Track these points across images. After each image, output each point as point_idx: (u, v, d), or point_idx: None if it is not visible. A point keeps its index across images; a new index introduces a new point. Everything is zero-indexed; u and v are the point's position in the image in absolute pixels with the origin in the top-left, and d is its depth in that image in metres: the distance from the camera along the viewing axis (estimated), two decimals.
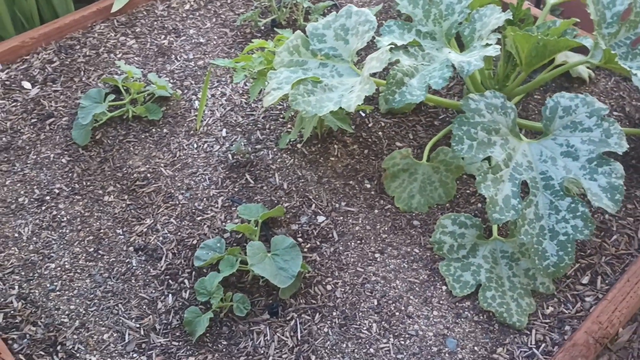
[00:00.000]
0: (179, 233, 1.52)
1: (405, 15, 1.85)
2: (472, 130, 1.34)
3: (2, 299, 1.40)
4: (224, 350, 1.33)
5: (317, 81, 1.39)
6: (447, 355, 1.32)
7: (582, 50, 1.86)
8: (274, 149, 1.68)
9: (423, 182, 1.57)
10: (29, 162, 1.68)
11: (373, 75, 1.55)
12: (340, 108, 1.49)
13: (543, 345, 1.34)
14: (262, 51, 1.61)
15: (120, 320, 1.38)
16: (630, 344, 1.68)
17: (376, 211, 1.56)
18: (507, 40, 1.54)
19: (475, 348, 1.33)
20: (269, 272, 1.34)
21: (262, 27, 2.04)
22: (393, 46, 1.39)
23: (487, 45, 1.38)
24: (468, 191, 1.60)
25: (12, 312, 1.38)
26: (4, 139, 1.73)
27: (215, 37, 2.02)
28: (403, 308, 1.39)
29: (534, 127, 1.62)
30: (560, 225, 1.33)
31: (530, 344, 1.34)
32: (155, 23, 2.07)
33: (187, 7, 2.14)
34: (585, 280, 1.44)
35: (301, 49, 1.50)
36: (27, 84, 1.87)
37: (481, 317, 1.38)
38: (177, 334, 1.35)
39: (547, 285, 1.40)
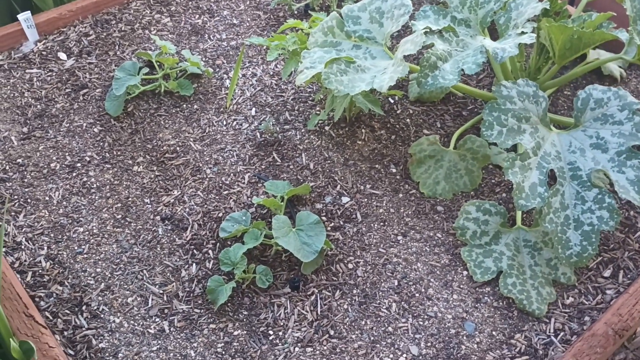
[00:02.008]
0: (205, 205, 1.54)
1: (441, 1, 1.86)
2: (503, 117, 1.35)
3: (31, 259, 1.44)
4: (245, 320, 1.35)
5: (351, 61, 1.41)
6: (464, 337, 1.32)
7: (615, 50, 1.85)
8: (302, 130, 1.70)
9: (449, 169, 1.58)
10: (62, 129, 1.71)
11: (407, 59, 1.56)
12: (372, 90, 1.51)
13: (562, 334, 1.34)
14: (296, 32, 1.63)
15: (145, 286, 1.40)
16: None
17: (400, 195, 1.57)
18: (541, 33, 1.54)
19: (494, 333, 1.34)
20: (293, 246, 1.35)
21: (296, 12, 2.06)
22: (428, 30, 1.40)
23: (523, 33, 1.38)
24: (493, 181, 1.61)
25: (40, 271, 1.42)
26: (38, 106, 1.77)
27: (249, 19, 2.04)
28: (423, 290, 1.40)
29: (563, 122, 1.62)
30: (585, 215, 1.33)
31: (549, 332, 1.34)
32: (190, 3, 2.10)
33: None
34: (607, 273, 1.44)
35: (336, 30, 1.51)
36: (63, 55, 1.91)
37: (501, 303, 1.38)
38: (199, 302, 1.38)
39: (568, 276, 1.41)
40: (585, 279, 1.43)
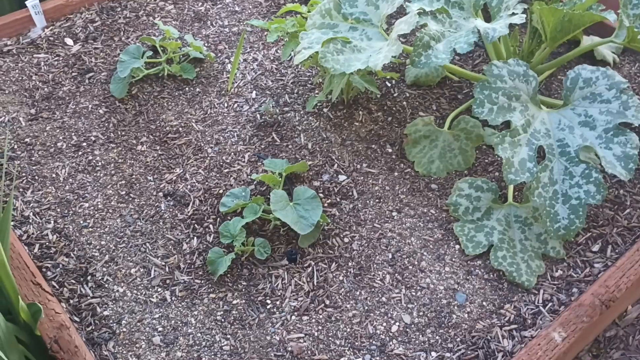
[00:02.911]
0: (206, 183, 1.59)
1: None
2: (494, 95, 1.40)
3: (38, 232, 1.49)
4: (243, 290, 1.40)
5: (347, 41, 1.46)
6: (456, 307, 1.37)
7: (608, 36, 1.89)
8: (301, 112, 1.75)
9: (443, 148, 1.62)
10: (68, 111, 1.76)
11: (402, 41, 1.60)
12: (369, 72, 1.56)
13: (550, 304, 1.38)
14: (296, 15, 1.68)
15: (147, 258, 1.45)
16: (638, 321, 1.72)
17: (396, 174, 1.62)
18: (534, 16, 1.59)
19: (484, 303, 1.38)
20: (291, 219, 1.40)
21: None
22: (422, 11, 1.45)
23: (513, 14, 1.43)
24: (486, 160, 1.66)
25: (47, 243, 1.47)
26: (45, 89, 1.82)
27: (250, 6, 2.10)
28: (416, 263, 1.45)
29: (553, 104, 1.66)
30: (573, 190, 1.38)
31: (537, 303, 1.38)
32: None
33: None
34: (595, 248, 1.49)
35: (333, 12, 1.56)
36: (69, 41, 1.97)
37: (491, 276, 1.43)
38: (200, 273, 1.43)
39: (557, 250, 1.45)
40: (574, 253, 1.48)
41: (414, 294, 1.39)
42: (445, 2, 1.54)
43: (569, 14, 1.48)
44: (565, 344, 1.29)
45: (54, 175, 1.61)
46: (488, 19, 1.66)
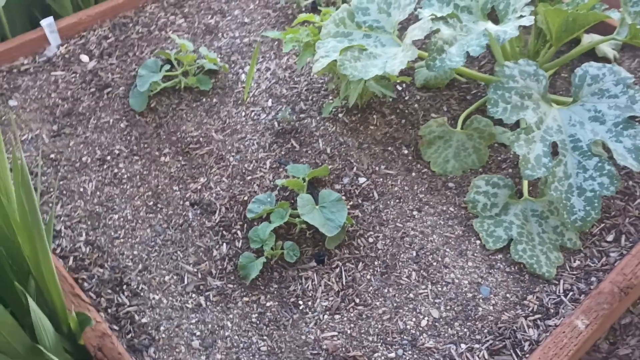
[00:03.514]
0: (231, 190, 1.64)
1: None
2: (507, 95, 1.46)
3: (71, 245, 1.53)
4: (275, 292, 1.45)
5: (363, 49, 1.51)
6: (481, 300, 1.43)
7: (607, 33, 1.96)
8: (317, 118, 1.81)
9: (457, 148, 1.68)
10: (89, 126, 1.81)
11: (415, 46, 1.66)
12: (382, 77, 1.61)
13: (570, 293, 1.44)
14: (308, 25, 1.73)
15: (179, 265, 1.50)
16: None
17: (413, 174, 1.68)
18: (539, 17, 1.65)
19: (507, 295, 1.44)
20: (318, 222, 1.46)
21: (304, 8, 2.16)
22: (434, 17, 1.51)
23: (521, 17, 1.49)
24: (499, 158, 1.71)
25: (80, 255, 1.51)
26: (65, 105, 1.87)
27: (259, 17, 2.15)
28: (440, 259, 1.50)
29: (563, 102, 1.72)
30: (587, 182, 1.44)
31: (559, 292, 1.44)
32: (202, 4, 2.21)
33: None
34: (610, 238, 1.55)
35: (347, 21, 1.62)
36: (84, 57, 2.01)
37: (513, 269, 1.49)
38: (232, 278, 1.48)
39: (574, 241, 1.51)
40: (590, 243, 1.54)
41: (439, 289, 1.45)
42: (455, 7, 1.60)
43: (573, 14, 1.54)
44: (589, 331, 1.35)
45: (81, 189, 1.65)
46: (494, 21, 1.73)
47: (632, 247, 1.51)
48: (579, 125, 1.48)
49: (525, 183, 1.58)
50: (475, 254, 1.51)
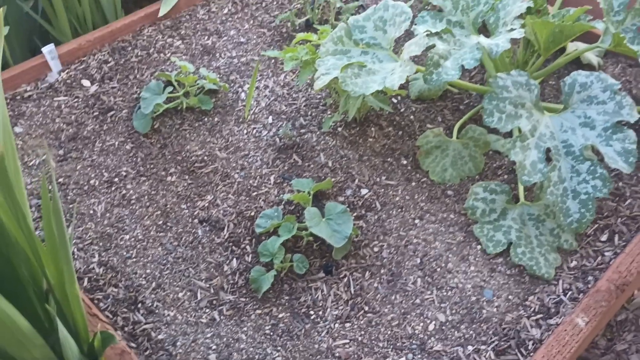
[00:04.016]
0: (238, 206, 1.69)
1: (432, 5, 2.04)
2: (501, 105, 1.52)
3: (85, 266, 1.57)
4: (287, 304, 1.50)
5: (362, 65, 1.58)
6: (484, 303, 1.48)
7: (591, 41, 2.04)
8: (317, 133, 1.86)
9: (454, 157, 1.75)
10: (95, 149, 1.85)
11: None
12: (379, 92, 1.68)
13: (569, 292, 1.50)
14: (305, 44, 1.79)
15: (192, 281, 1.54)
16: None
17: (413, 184, 1.74)
18: (527, 28, 1.73)
19: (510, 297, 1.50)
20: (325, 233, 1.51)
21: (297, 27, 2.23)
22: (429, 33, 1.57)
23: (512, 30, 1.56)
24: (495, 165, 1.78)
25: (94, 276, 1.56)
26: (70, 130, 1.91)
27: (255, 37, 2.21)
28: (443, 265, 1.56)
29: (553, 108, 1.79)
30: (581, 186, 1.51)
31: (558, 292, 1.50)
32: (198, 26, 2.26)
33: (225, 11, 2.34)
34: (604, 238, 1.61)
35: (345, 39, 1.68)
36: (86, 82, 2.06)
37: (513, 271, 1.55)
38: (244, 291, 1.52)
39: (570, 242, 1.57)
40: (585, 244, 1.60)
41: (444, 293, 1.50)
42: (448, 23, 1.67)
43: (560, 25, 1.61)
44: (589, 328, 1.41)
45: (91, 212, 1.70)
46: (485, 33, 1.80)
47: (626, 245, 1.58)
48: (570, 131, 1.55)
49: (521, 188, 1.65)
50: (476, 259, 1.57)
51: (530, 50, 1.83)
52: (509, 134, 1.82)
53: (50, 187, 1.66)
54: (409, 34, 2.09)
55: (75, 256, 1.60)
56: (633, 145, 1.50)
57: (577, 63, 2.08)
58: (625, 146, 1.50)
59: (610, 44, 1.67)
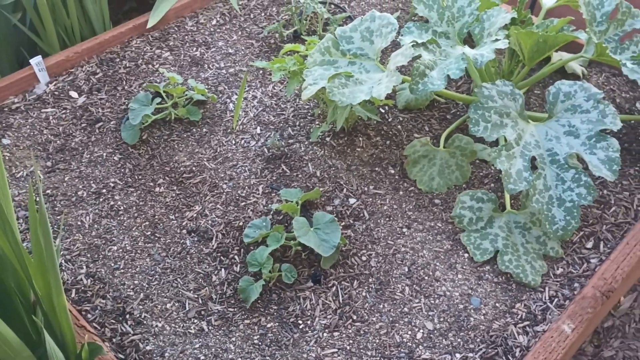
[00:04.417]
0: (226, 217, 1.69)
1: (418, 17, 2.06)
2: (487, 114, 1.54)
3: (72, 277, 1.57)
4: (275, 313, 1.50)
5: (350, 75, 1.59)
6: (472, 311, 1.49)
7: (575, 51, 2.07)
8: (305, 143, 1.87)
9: (441, 166, 1.76)
10: (83, 160, 1.85)
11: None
12: (367, 102, 1.69)
13: (556, 299, 1.52)
14: (293, 54, 1.81)
15: (180, 292, 1.54)
16: (631, 311, 1.87)
17: (401, 193, 1.75)
18: (511, 39, 1.75)
19: (497, 304, 1.51)
20: (314, 243, 1.51)
21: (286, 38, 2.24)
22: (414, 43, 1.59)
23: (496, 40, 1.58)
24: (481, 174, 1.80)
25: (82, 288, 1.55)
26: (58, 141, 1.91)
27: (243, 48, 2.22)
28: (431, 273, 1.57)
29: (538, 117, 1.82)
30: (566, 194, 1.52)
31: (545, 299, 1.52)
32: (187, 37, 2.27)
33: (214, 22, 2.35)
34: (589, 245, 1.63)
35: (332, 49, 1.70)
36: (74, 94, 2.06)
37: (500, 279, 1.56)
38: (232, 301, 1.52)
39: (556, 250, 1.59)
40: (571, 251, 1.62)
41: (432, 302, 1.51)
42: (433, 33, 1.69)
43: (544, 36, 1.64)
44: (575, 335, 1.43)
45: (79, 223, 1.69)
46: (470, 44, 1.82)
47: (611, 252, 1.60)
48: (555, 139, 1.57)
49: (507, 196, 1.67)
50: (464, 267, 1.58)
51: (516, 60, 1.85)
52: (495, 143, 1.84)
53: (37, 199, 1.66)
54: (395, 45, 2.10)
55: (63, 267, 1.59)
56: (616, 154, 1.52)
57: (562, 72, 2.11)
58: (608, 154, 1.52)
59: (593, 53, 1.70)
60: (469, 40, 1.98)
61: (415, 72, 1.55)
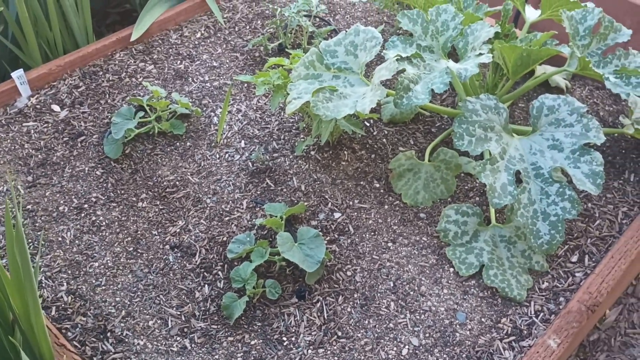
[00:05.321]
0: (210, 232, 1.67)
1: (403, 30, 2.06)
2: (471, 128, 1.54)
3: (53, 295, 1.54)
4: (259, 330, 1.48)
5: (334, 90, 1.59)
6: (458, 326, 1.48)
7: (558, 65, 2.08)
8: (290, 157, 1.86)
9: (426, 179, 1.76)
10: (65, 175, 1.83)
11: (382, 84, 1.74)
12: (352, 115, 1.68)
13: (541, 314, 1.51)
14: (277, 68, 1.80)
15: (163, 309, 1.52)
16: (617, 324, 1.86)
17: (386, 207, 1.74)
18: (495, 53, 1.75)
19: (482, 319, 1.50)
20: (298, 258, 1.50)
21: (270, 51, 2.23)
22: (399, 57, 1.59)
23: (480, 54, 1.59)
24: (467, 187, 1.79)
25: (63, 305, 1.52)
26: (39, 156, 1.88)
27: (228, 61, 2.21)
28: (416, 288, 1.56)
29: (522, 131, 1.82)
30: (550, 207, 1.52)
31: (530, 314, 1.51)
32: (171, 50, 2.26)
33: (198, 35, 2.34)
34: (574, 259, 1.63)
35: (316, 63, 1.69)
36: (56, 107, 2.03)
37: (486, 293, 1.55)
38: (215, 318, 1.50)
39: (541, 264, 1.59)
40: (556, 265, 1.62)
41: (418, 317, 1.50)
42: (418, 47, 1.69)
43: (527, 49, 1.64)
44: (561, 350, 1.42)
45: (60, 239, 1.67)
46: (454, 57, 1.82)
47: (595, 266, 1.60)
48: (539, 153, 1.57)
49: (492, 210, 1.66)
50: (449, 281, 1.57)
51: (500, 74, 1.86)
52: (480, 156, 1.84)
53: (14, 216, 1.64)
54: (379, 59, 2.11)
55: (43, 284, 1.56)
56: (600, 167, 1.52)
57: (546, 86, 2.12)
58: (592, 168, 1.52)
59: (577, 67, 1.71)
60: (454, 54, 1.98)
61: (399, 86, 1.54)
